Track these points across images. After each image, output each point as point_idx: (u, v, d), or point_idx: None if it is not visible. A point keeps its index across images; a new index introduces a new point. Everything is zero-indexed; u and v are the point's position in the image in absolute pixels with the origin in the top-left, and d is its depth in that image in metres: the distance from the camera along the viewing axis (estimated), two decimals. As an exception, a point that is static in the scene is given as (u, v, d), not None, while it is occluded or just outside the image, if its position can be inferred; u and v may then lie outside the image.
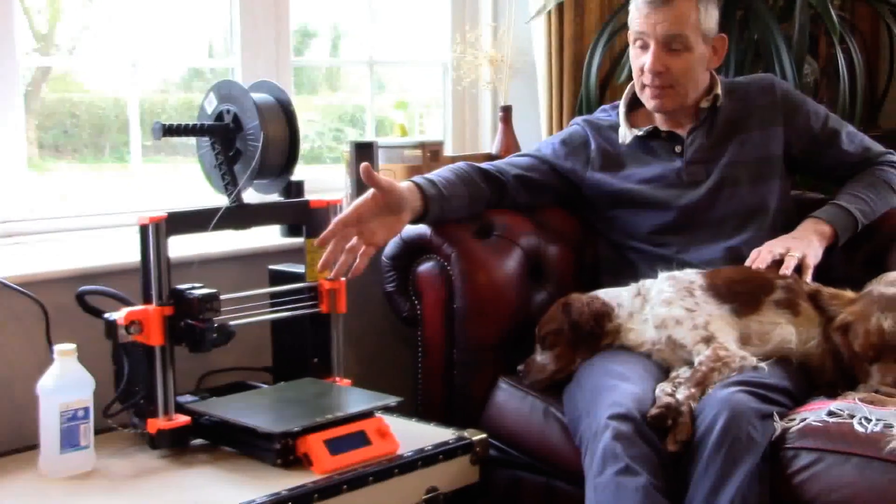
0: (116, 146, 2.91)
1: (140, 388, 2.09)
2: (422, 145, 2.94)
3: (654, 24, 2.46)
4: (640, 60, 2.52)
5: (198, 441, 2.14)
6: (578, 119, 2.76)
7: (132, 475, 2.01)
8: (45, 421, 2.00)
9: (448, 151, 3.21)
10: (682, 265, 2.38)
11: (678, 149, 2.58)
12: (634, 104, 2.66)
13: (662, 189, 2.56)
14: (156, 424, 2.06)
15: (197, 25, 3.03)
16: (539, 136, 3.17)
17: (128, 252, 2.26)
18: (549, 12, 3.11)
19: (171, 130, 2.18)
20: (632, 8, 2.53)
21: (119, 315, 2.03)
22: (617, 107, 2.68)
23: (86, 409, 2.01)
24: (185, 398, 2.20)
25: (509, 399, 2.40)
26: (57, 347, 2.01)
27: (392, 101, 3.53)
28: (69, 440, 1.99)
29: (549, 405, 2.31)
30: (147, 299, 2.06)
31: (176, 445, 2.10)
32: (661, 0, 2.45)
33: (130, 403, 2.11)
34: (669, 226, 2.54)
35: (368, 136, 3.28)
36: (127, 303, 2.14)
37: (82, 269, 2.30)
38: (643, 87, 2.54)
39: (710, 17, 2.51)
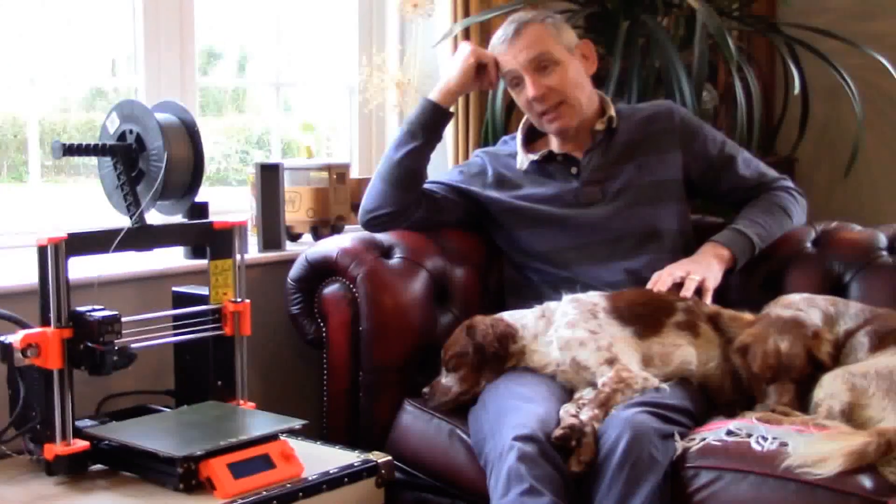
0: (14, 165, 2.84)
1: (36, 413, 2.04)
2: (328, 167, 2.94)
3: (516, 57, 2.56)
4: (523, 96, 2.60)
5: (97, 467, 2.10)
6: (478, 151, 2.84)
7: (27, 503, 1.96)
8: (-64, 447, 1.94)
9: (354, 174, 3.21)
10: (585, 287, 2.41)
11: (574, 170, 2.63)
12: (532, 135, 2.72)
13: (559, 208, 2.61)
14: (53, 450, 2.01)
15: (100, 43, 2.97)
16: (445, 159, 3.18)
17: (26, 273, 2.21)
18: (456, 36, 3.14)
19: (71, 150, 2.15)
20: (496, 56, 2.61)
21: (15, 338, 1.99)
22: (516, 137, 2.73)
23: (-21, 435, 1.96)
24: (85, 423, 2.15)
25: (415, 421, 2.40)
26: (-51, 371, 1.96)
27: (299, 123, 3.51)
28: (-39, 467, 1.94)
29: (454, 427, 2.31)
30: (45, 322, 2.01)
31: (74, 471, 2.05)
32: (511, 34, 2.57)
33: (26, 428, 2.06)
34: (567, 245, 2.58)
35: (274, 158, 3.26)
36: (24, 325, 2.09)
37: (-23, 291, 2.24)
38: (539, 117, 2.60)
39: (565, 33, 2.61)
